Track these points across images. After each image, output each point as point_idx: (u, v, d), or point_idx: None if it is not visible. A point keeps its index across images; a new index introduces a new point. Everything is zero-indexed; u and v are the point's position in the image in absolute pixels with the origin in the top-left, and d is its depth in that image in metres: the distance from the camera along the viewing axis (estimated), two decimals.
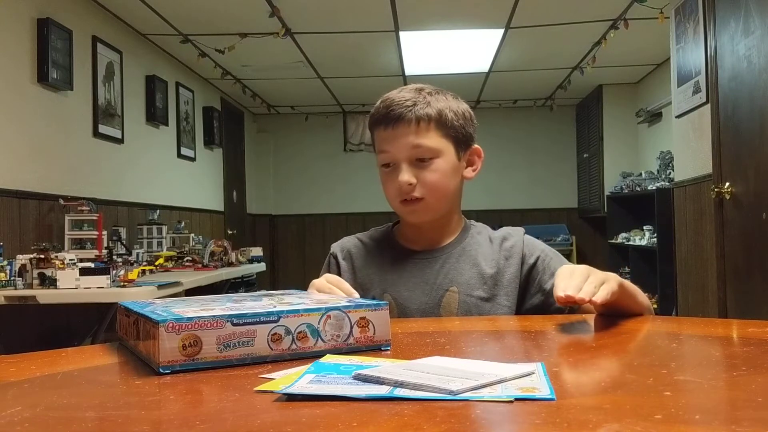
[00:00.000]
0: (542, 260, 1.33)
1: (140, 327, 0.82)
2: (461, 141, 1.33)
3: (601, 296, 0.96)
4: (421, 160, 1.28)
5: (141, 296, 2.63)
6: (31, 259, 2.71)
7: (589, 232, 7.72)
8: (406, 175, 1.27)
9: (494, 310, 1.29)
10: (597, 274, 1.02)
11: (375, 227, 1.47)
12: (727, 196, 3.31)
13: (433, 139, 1.28)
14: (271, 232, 8.07)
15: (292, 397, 0.60)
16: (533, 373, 0.66)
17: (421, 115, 1.28)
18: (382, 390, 0.60)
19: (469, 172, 1.36)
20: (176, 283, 2.97)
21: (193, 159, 5.83)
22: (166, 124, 5.23)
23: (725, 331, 1.03)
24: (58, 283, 2.65)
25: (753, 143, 3.11)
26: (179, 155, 5.54)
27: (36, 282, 2.69)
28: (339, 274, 1.38)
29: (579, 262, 7.40)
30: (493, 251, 1.34)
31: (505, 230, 1.40)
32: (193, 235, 4.55)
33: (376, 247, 1.41)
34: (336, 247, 1.44)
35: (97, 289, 2.65)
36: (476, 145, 1.38)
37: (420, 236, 1.38)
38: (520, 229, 1.40)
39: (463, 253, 1.34)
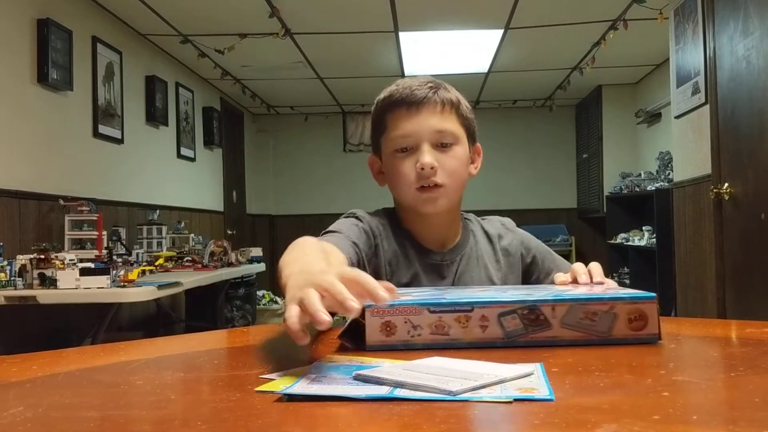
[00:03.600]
0: (539, 258, 1.36)
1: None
2: (471, 134, 1.31)
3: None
4: (442, 145, 1.23)
5: (141, 296, 2.64)
6: (31, 260, 2.71)
7: (589, 233, 7.72)
8: (428, 157, 1.20)
9: None
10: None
11: (379, 211, 1.32)
12: (726, 197, 3.32)
13: (455, 125, 1.25)
14: (271, 232, 8.07)
15: (292, 398, 0.61)
16: (532, 373, 0.67)
17: (444, 99, 1.24)
18: (382, 390, 0.61)
19: (472, 169, 1.33)
20: (176, 284, 2.97)
21: (192, 159, 5.84)
22: (166, 125, 5.24)
23: (723, 331, 1.04)
24: (58, 284, 2.65)
25: (752, 144, 3.12)
26: (179, 155, 5.55)
27: (36, 282, 2.70)
28: (375, 251, 1.24)
29: (578, 262, 7.40)
30: (494, 251, 1.34)
31: (497, 225, 1.38)
32: (192, 235, 4.56)
33: (398, 241, 1.27)
34: (372, 223, 1.26)
35: (97, 289, 2.65)
36: (477, 143, 1.36)
37: (431, 234, 1.29)
38: (510, 222, 1.40)
39: (472, 255, 1.31)
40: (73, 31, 3.85)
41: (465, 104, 1.29)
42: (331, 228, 1.22)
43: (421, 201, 1.23)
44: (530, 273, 1.35)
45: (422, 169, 1.20)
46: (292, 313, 0.68)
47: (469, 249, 1.31)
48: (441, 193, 1.23)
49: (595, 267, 1.10)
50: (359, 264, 1.16)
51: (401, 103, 1.24)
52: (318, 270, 0.78)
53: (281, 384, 0.65)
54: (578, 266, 1.11)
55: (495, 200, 7.58)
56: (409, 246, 1.27)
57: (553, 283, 1.29)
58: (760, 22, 3.01)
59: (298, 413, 0.58)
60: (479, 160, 1.36)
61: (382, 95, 1.30)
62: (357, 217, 1.26)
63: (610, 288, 0.98)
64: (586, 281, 1.07)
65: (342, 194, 7.84)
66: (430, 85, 1.25)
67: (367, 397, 0.59)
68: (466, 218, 1.38)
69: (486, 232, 1.36)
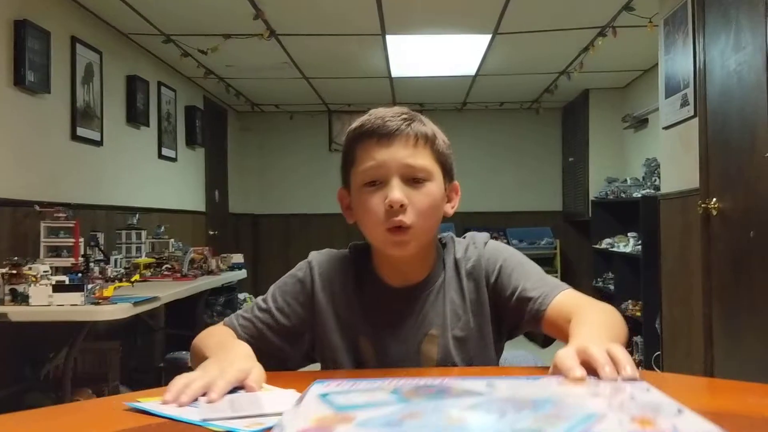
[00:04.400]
0: (506, 273, 1.24)
1: None
2: (447, 171, 1.24)
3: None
4: (414, 181, 1.16)
5: (116, 314, 2.56)
6: (3, 274, 2.62)
7: (574, 236, 7.70)
8: (397, 192, 1.13)
9: (474, 349, 1.22)
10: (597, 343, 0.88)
11: (353, 245, 1.32)
12: (714, 212, 3.28)
13: (428, 160, 1.18)
14: (254, 231, 7.98)
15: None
16: (281, 413, 0.72)
17: (418, 132, 1.18)
18: (194, 416, 0.77)
19: (448, 208, 1.26)
20: (153, 299, 2.89)
21: (174, 159, 5.73)
22: (147, 125, 5.13)
23: (718, 403, 0.98)
24: (30, 300, 2.56)
25: (742, 160, 3.08)
26: (160, 156, 5.44)
27: (8, 298, 2.60)
28: (312, 298, 1.25)
29: (563, 266, 7.41)
30: (459, 278, 1.26)
31: (466, 246, 1.30)
32: (173, 240, 4.47)
33: (356, 278, 1.26)
34: (316, 267, 1.28)
35: (70, 306, 2.56)
36: (455, 181, 1.29)
37: (397, 269, 1.25)
38: (480, 239, 1.31)
39: (440, 290, 1.25)
40: (52, 31, 3.74)
41: (442, 139, 1.23)
42: (274, 288, 1.28)
43: (389, 244, 1.18)
44: (497, 290, 1.25)
45: (390, 206, 1.13)
46: (201, 383, 0.87)
47: (438, 284, 1.26)
48: (411, 236, 1.16)
49: (620, 352, 0.84)
50: (276, 329, 1.24)
51: (372, 134, 1.18)
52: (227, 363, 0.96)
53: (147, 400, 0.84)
54: (596, 353, 0.83)
55: (480, 202, 7.55)
56: (371, 289, 1.25)
57: (527, 304, 1.18)
58: (753, 37, 2.97)
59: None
60: (456, 198, 1.29)
61: (353, 125, 1.24)
62: (299, 280, 1.27)
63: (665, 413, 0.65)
64: (611, 376, 0.80)
65: (327, 193, 7.72)
66: (404, 116, 1.19)
67: (176, 418, 0.76)
68: (443, 243, 1.31)
69: (456, 260, 1.28)
